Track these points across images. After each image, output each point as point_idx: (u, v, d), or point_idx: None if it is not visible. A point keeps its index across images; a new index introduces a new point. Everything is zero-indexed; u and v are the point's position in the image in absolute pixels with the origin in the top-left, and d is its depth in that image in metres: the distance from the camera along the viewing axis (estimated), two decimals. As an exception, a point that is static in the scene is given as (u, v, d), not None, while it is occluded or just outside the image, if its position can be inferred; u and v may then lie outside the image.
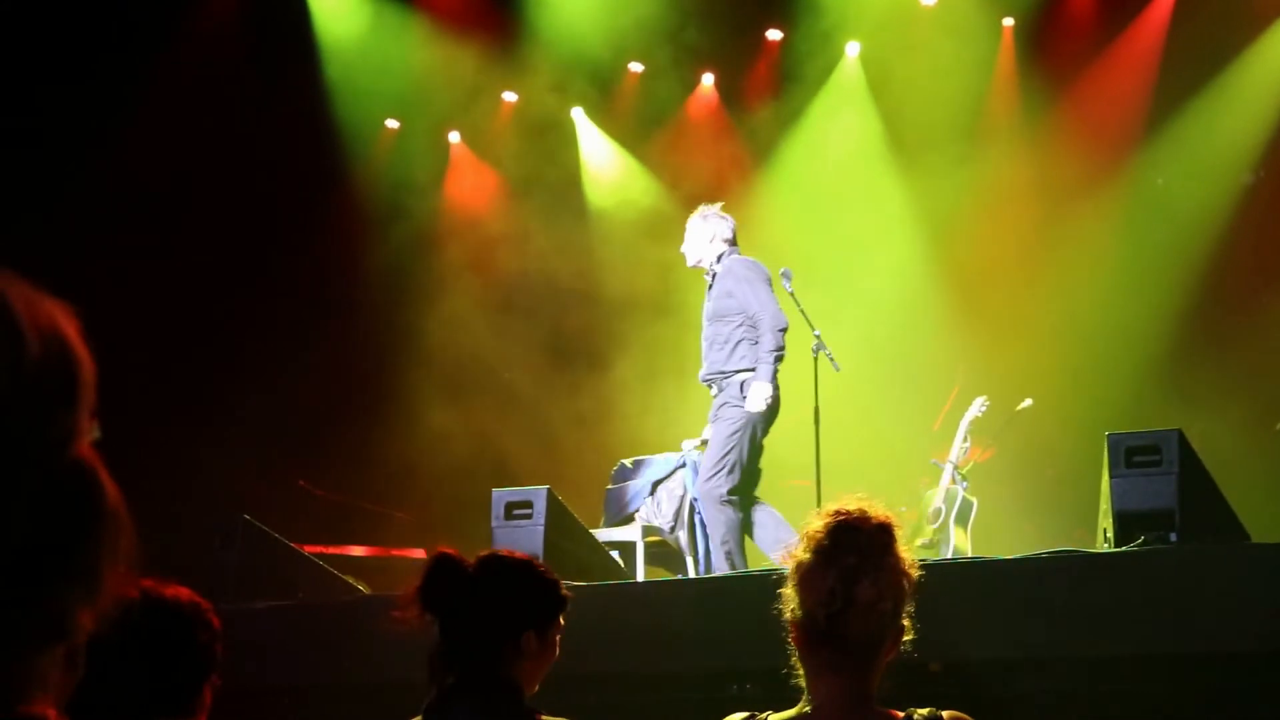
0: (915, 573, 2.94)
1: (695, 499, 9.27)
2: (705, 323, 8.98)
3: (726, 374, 8.73)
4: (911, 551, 2.97)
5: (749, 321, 8.69)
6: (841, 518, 2.92)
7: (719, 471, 8.56)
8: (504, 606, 3.58)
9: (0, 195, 11.43)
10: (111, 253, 11.85)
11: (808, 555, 2.92)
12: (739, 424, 8.59)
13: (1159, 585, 6.23)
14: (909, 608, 2.91)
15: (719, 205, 9.20)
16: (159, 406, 11.14)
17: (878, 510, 2.96)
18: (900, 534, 2.97)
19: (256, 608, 7.88)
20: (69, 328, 1.16)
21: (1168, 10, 12.55)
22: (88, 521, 1.12)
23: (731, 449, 8.57)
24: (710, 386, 8.90)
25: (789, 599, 2.93)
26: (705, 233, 9.04)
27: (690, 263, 9.16)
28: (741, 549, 8.58)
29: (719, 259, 8.98)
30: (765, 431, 8.75)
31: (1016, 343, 11.96)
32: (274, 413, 12.32)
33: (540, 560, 3.82)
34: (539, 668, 3.63)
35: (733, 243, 9.05)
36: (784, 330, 8.63)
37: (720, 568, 8.47)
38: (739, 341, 8.71)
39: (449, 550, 3.63)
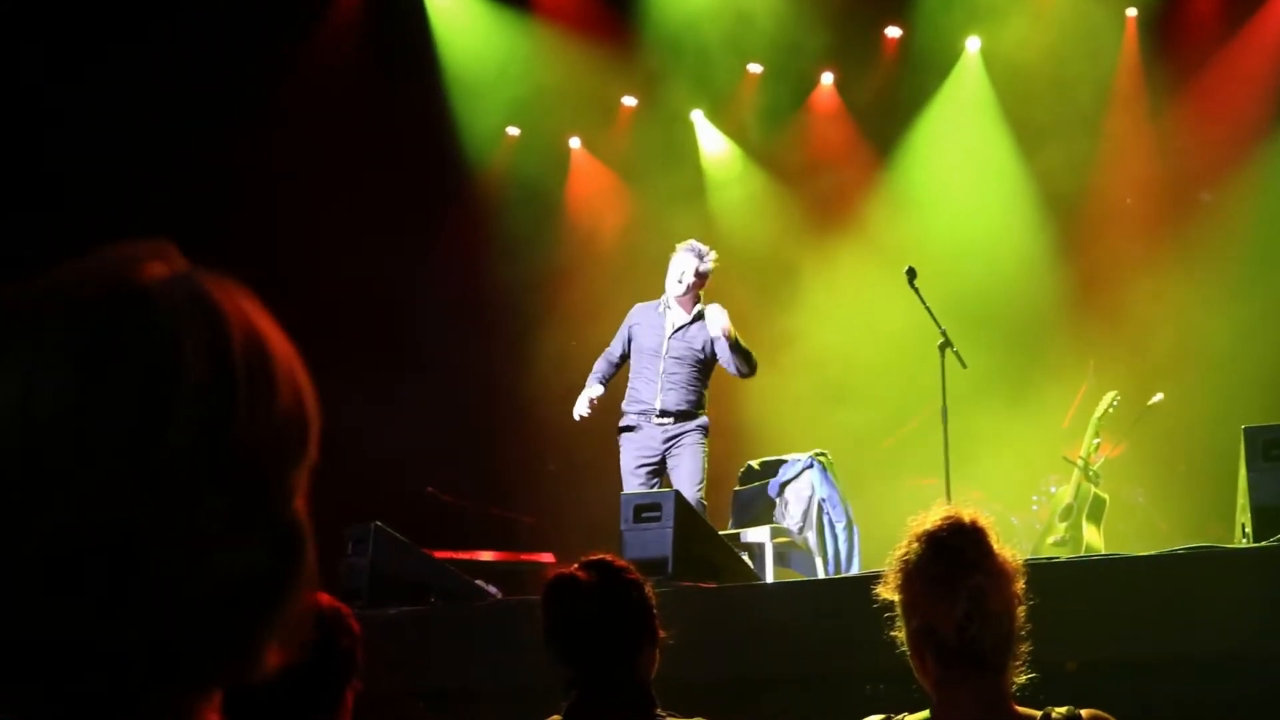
0: (1018, 563, 2.93)
1: (823, 499, 9.32)
2: (669, 359, 9.38)
3: (685, 412, 9.27)
4: (1008, 545, 2.96)
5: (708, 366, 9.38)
6: (943, 534, 2.90)
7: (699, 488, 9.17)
8: (625, 619, 3.62)
9: (126, 199, 11.64)
10: (228, 259, 11.98)
11: (919, 577, 2.90)
12: (704, 450, 9.26)
13: (1299, 581, 6.11)
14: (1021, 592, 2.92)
15: (713, 253, 9.49)
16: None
17: (967, 514, 2.94)
18: (992, 526, 2.95)
19: (389, 612, 7.97)
20: (305, 373, 1.19)
21: (1297, -5, 12.34)
22: (295, 576, 1.16)
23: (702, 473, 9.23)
24: (664, 419, 9.30)
25: (900, 616, 2.94)
26: (700, 275, 9.39)
27: (673, 294, 9.44)
28: None
29: (694, 303, 9.41)
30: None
31: (1146, 337, 11.81)
32: (401, 420, 12.43)
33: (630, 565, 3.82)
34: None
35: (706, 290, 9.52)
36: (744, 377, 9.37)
37: None
38: (698, 382, 9.33)
39: (565, 570, 3.68)
